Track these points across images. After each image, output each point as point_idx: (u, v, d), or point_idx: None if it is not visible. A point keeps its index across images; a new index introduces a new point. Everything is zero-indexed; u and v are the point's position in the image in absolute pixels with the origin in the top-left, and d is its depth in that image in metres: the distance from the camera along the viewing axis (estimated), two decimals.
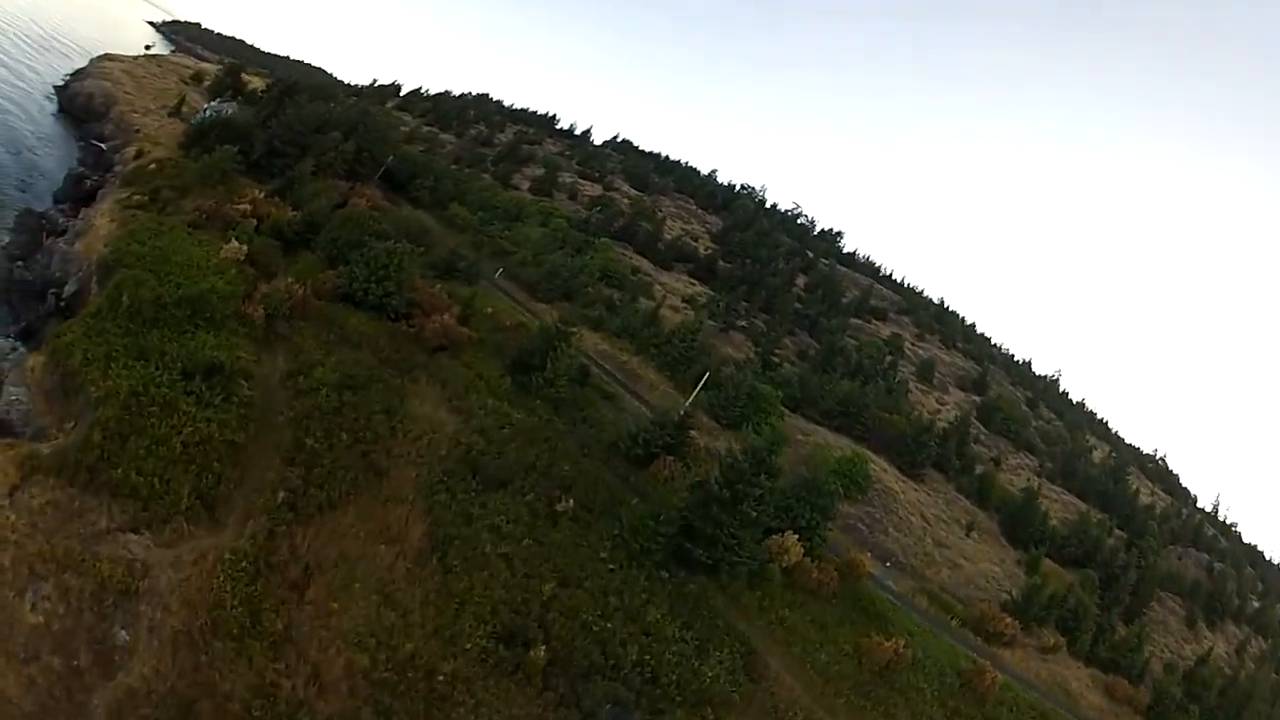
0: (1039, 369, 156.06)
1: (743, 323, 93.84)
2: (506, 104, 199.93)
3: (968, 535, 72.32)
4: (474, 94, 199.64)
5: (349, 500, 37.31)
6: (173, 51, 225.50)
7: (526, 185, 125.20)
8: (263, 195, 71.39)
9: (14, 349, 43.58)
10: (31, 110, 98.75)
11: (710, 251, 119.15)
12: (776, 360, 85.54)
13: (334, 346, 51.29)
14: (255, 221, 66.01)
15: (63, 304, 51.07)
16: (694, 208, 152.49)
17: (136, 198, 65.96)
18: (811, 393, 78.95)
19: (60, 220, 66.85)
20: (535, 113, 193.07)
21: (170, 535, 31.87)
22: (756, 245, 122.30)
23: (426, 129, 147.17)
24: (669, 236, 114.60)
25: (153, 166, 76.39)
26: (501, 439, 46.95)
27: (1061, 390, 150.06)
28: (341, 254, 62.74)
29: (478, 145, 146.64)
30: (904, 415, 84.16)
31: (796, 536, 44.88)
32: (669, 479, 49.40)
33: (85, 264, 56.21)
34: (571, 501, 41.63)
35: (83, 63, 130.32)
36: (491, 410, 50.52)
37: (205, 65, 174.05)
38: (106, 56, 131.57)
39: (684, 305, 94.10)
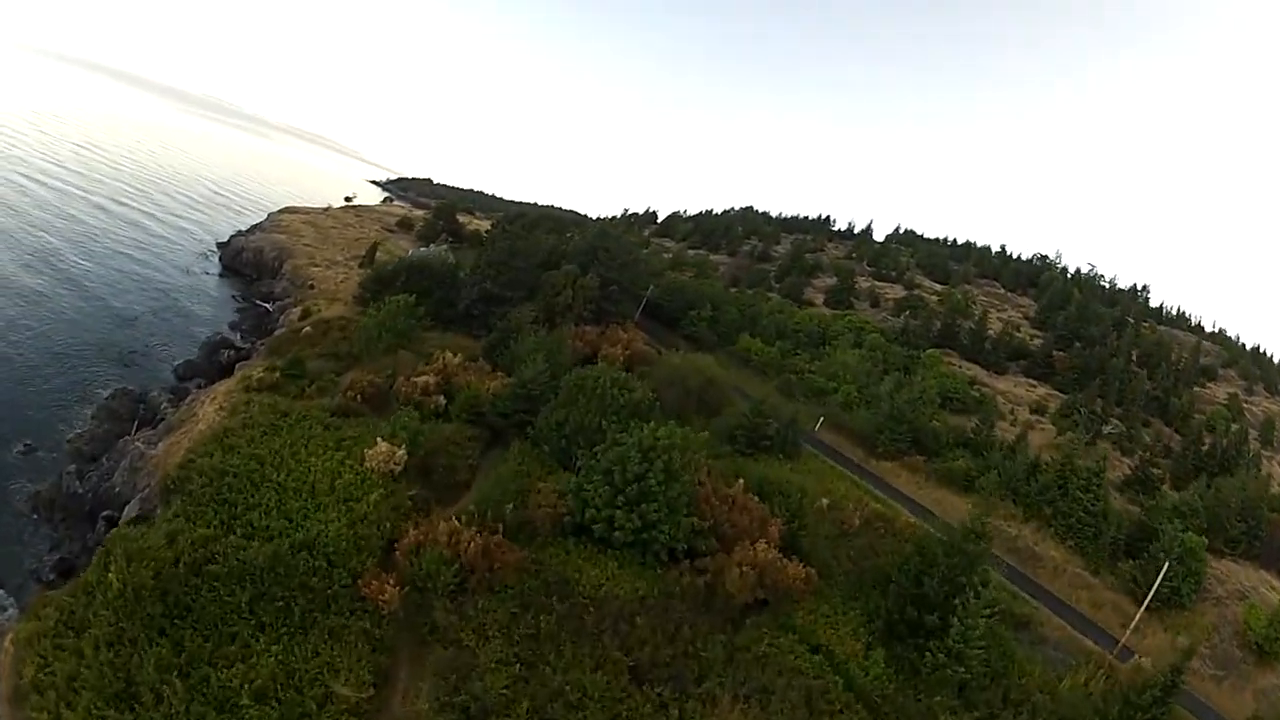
0: None
1: (1109, 428, 76.16)
2: (774, 214, 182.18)
3: None
4: (737, 209, 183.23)
5: None
6: (386, 200, 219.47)
7: (820, 299, 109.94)
8: (460, 359, 51.31)
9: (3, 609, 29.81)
10: (189, 268, 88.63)
11: (1038, 341, 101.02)
12: (1158, 473, 64.47)
13: (542, 649, 27.91)
14: (443, 399, 45.82)
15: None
16: (1002, 291, 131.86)
17: (266, 374, 46.70)
18: (1214, 519, 54.96)
19: (162, 405, 48.71)
20: (807, 218, 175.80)
21: None
22: (1080, 323, 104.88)
23: (693, 252, 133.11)
24: (990, 331, 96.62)
25: (307, 330, 58.94)
26: None
27: None
28: (569, 448, 39.87)
29: (755, 262, 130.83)
30: None
31: None
32: None
33: (155, 478, 36.22)
34: None
35: (258, 217, 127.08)
36: None
37: (416, 212, 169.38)
38: (287, 209, 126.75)
39: (1036, 418, 76.85)
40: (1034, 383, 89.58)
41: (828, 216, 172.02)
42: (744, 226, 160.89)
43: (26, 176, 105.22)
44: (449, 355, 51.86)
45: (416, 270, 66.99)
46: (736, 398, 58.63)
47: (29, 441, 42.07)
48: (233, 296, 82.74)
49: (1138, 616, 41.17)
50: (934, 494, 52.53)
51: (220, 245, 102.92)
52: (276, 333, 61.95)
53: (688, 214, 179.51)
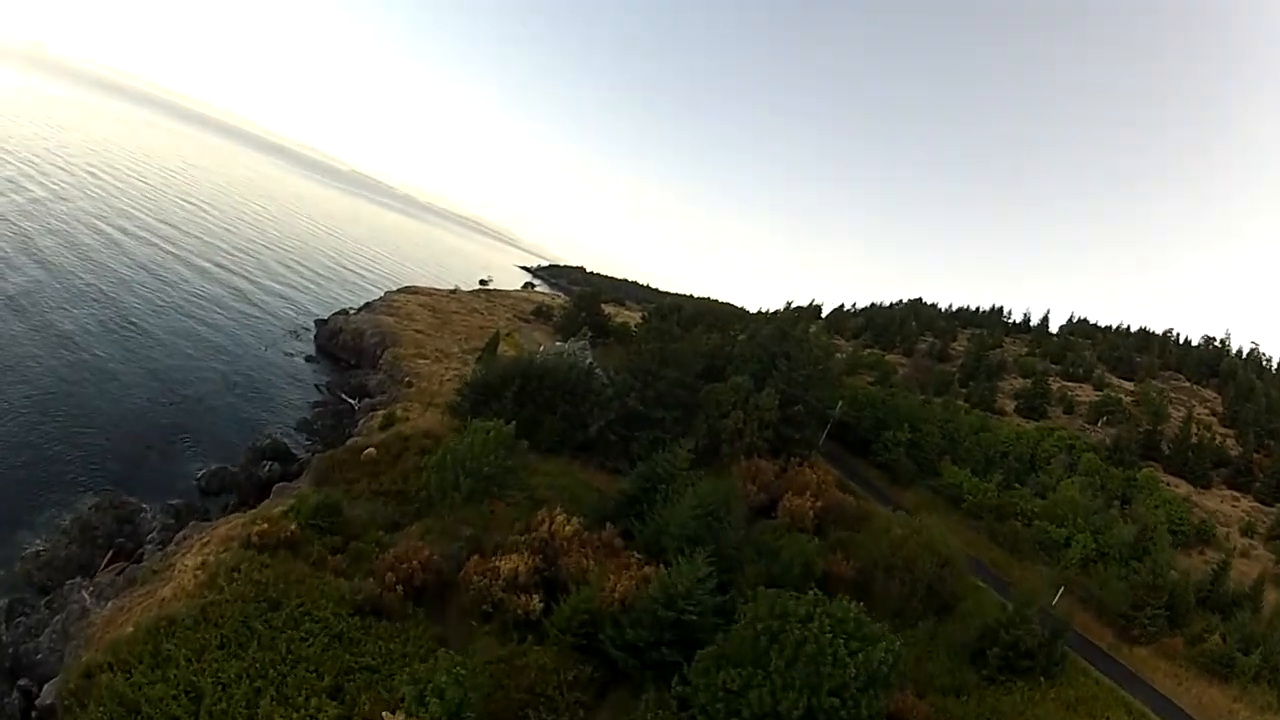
0: None
1: None
2: (944, 305, 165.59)
3: None
4: (906, 300, 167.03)
5: None
6: (526, 286, 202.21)
7: (1011, 405, 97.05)
8: (574, 527, 35.24)
9: None
10: (274, 345, 77.80)
11: (1236, 447, 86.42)
12: None
13: None
14: (540, 602, 29.68)
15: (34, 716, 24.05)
16: (1187, 384, 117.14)
17: (282, 520, 31.52)
18: None
19: (150, 534, 35.59)
20: (979, 310, 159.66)
21: None
22: (1270, 417, 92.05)
23: (867, 351, 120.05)
24: (1193, 438, 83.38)
25: (371, 450, 44.25)
26: None
27: None
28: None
29: (934, 361, 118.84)
30: None
31: None
32: None
33: (82, 658, 24.31)
34: None
35: (376, 295, 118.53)
36: None
37: (558, 299, 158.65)
38: (407, 289, 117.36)
39: (1248, 542, 63.15)
40: (1237, 495, 76.80)
41: (1000, 307, 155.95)
42: (917, 321, 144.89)
43: (120, 226, 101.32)
44: (559, 519, 35.02)
45: (536, 375, 51.81)
46: (972, 576, 44.27)
47: None
48: (315, 386, 70.40)
49: None
50: (1194, 689, 40.17)
51: (318, 323, 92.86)
52: (331, 452, 46.98)
53: (854, 308, 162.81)
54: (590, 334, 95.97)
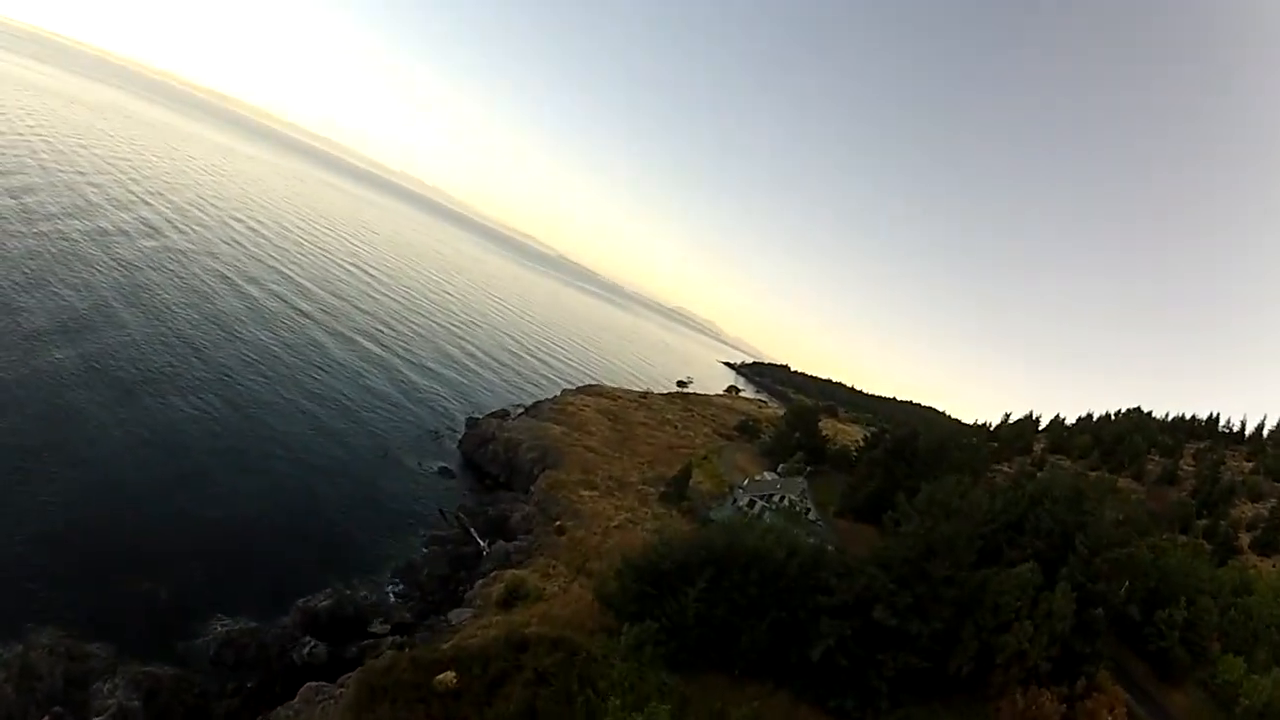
0: None
1: None
2: (1163, 415, 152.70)
3: None
4: (1125, 411, 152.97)
5: None
6: (730, 390, 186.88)
7: (1247, 538, 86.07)
8: None
9: None
10: (412, 450, 63.96)
11: None
12: None
13: None
14: None
15: None
16: None
17: None
18: None
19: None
20: (1195, 419, 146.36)
21: None
22: None
23: (1093, 475, 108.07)
24: None
25: (446, 677, 29.48)
26: None
27: None
28: None
29: (1165, 487, 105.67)
30: None
31: None
32: None
33: None
34: None
35: (550, 391, 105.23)
36: None
37: (765, 409, 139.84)
38: (586, 389, 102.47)
39: None
40: None
41: (1215, 415, 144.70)
42: (1141, 435, 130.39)
43: (273, 291, 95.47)
44: None
45: (738, 563, 37.26)
46: None
47: None
48: (441, 511, 55.07)
49: None
50: None
51: (470, 423, 79.06)
52: (388, 663, 30.35)
53: (1068, 421, 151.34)
54: (808, 461, 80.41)
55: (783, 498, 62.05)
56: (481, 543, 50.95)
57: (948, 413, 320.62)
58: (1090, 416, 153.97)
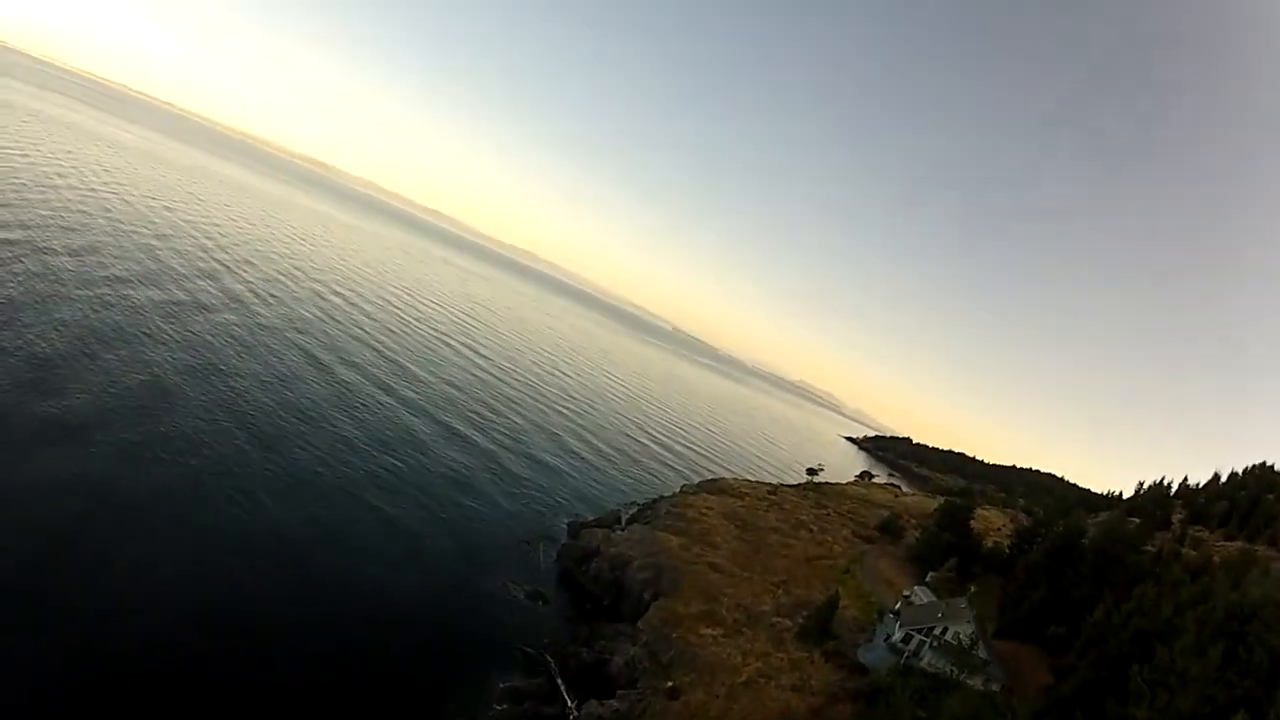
0: None
1: None
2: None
3: None
4: (1252, 468, 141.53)
5: None
6: (863, 476, 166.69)
7: None
8: None
9: None
10: (501, 565, 53.33)
11: None
12: None
13: None
14: None
15: None
16: None
17: None
18: None
19: None
20: None
21: None
22: None
23: (1231, 545, 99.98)
24: None
25: None
26: None
27: None
28: None
29: None
30: None
31: None
32: None
33: None
34: None
35: (669, 485, 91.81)
36: None
37: (901, 496, 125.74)
38: (710, 483, 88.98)
39: None
40: None
41: None
42: (1275, 496, 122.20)
43: (381, 381, 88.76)
44: None
45: None
46: None
47: None
48: (524, 649, 43.50)
49: None
50: None
51: (571, 531, 67.56)
52: None
53: (1201, 483, 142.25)
54: (957, 566, 71.58)
55: (944, 629, 50.90)
56: (570, 703, 38.93)
57: (1068, 478, 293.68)
58: (1218, 478, 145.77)
